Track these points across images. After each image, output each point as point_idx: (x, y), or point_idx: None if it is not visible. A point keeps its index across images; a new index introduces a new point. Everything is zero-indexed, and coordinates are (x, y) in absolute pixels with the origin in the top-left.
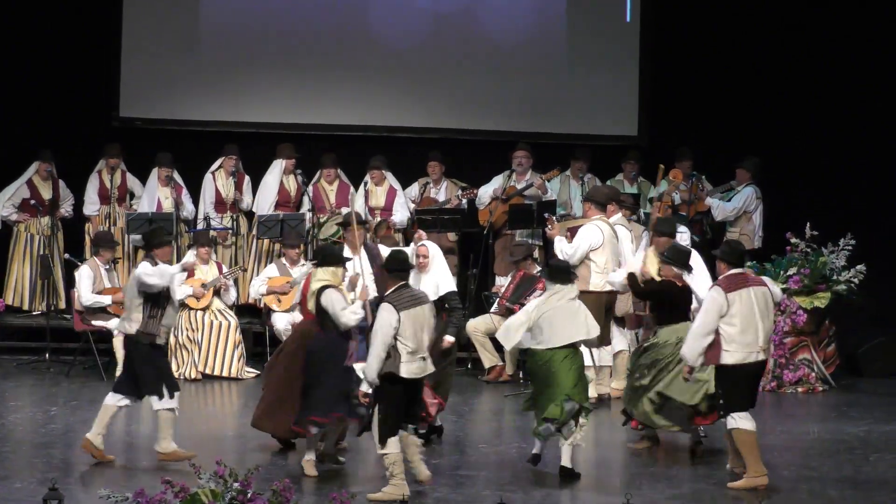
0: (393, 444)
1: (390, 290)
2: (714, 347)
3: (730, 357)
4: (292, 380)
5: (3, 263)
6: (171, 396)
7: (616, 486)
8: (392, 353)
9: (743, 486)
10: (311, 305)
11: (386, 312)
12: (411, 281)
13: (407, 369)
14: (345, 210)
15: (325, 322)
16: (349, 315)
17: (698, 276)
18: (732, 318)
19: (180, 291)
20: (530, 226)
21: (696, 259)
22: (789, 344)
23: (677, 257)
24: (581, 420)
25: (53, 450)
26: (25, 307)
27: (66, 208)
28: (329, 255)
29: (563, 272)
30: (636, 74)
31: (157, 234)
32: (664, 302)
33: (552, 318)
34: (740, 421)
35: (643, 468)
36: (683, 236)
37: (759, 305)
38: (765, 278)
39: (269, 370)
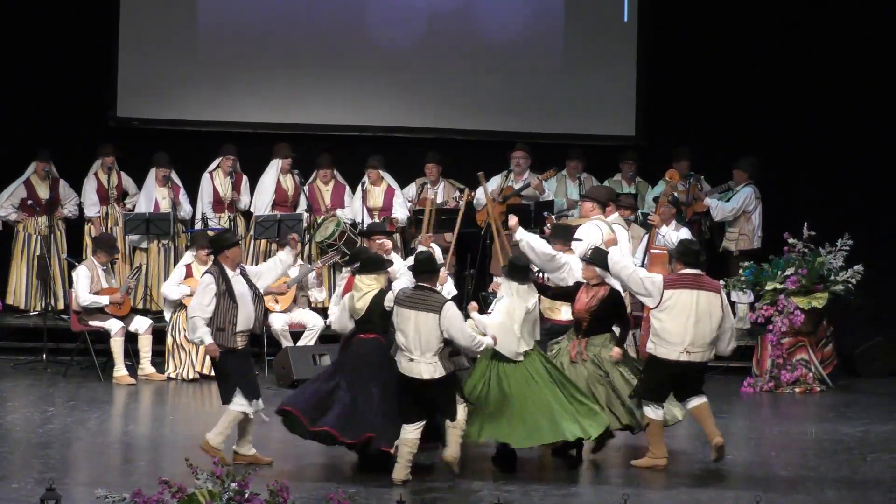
0: (405, 429)
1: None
2: (646, 334)
3: (653, 348)
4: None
5: (4, 264)
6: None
7: (614, 485)
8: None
9: (644, 465)
10: (360, 310)
11: (391, 295)
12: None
13: (397, 360)
14: (339, 212)
15: (380, 325)
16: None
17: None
18: (661, 314)
19: (177, 291)
20: (528, 226)
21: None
22: (787, 344)
23: (598, 258)
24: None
25: (51, 450)
26: (22, 307)
27: (69, 208)
28: (371, 262)
29: (522, 270)
30: (634, 74)
31: (224, 238)
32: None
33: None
34: (648, 410)
35: (641, 468)
36: (682, 236)
37: (699, 308)
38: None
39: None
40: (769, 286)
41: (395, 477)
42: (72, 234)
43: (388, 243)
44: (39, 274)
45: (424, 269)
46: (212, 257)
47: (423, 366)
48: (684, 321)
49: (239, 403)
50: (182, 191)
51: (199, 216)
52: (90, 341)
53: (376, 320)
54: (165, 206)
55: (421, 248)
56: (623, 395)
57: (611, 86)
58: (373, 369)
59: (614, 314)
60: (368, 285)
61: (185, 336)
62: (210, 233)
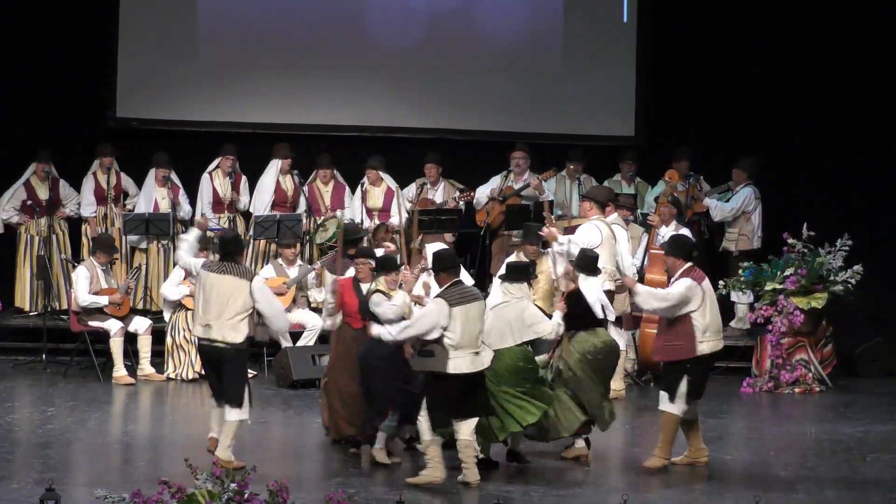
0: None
1: (443, 288)
2: (685, 340)
3: (706, 347)
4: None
5: (9, 266)
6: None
7: (613, 486)
8: (437, 350)
9: (654, 466)
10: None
11: (437, 306)
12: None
13: (455, 365)
14: (339, 212)
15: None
16: (386, 307)
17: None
18: (705, 310)
19: (177, 291)
20: None
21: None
22: (786, 344)
23: (585, 265)
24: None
25: (50, 450)
26: (27, 308)
27: (70, 207)
28: (379, 263)
29: (520, 272)
30: (633, 74)
31: (234, 242)
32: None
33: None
34: (673, 406)
35: (639, 469)
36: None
37: (713, 295)
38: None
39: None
40: (769, 286)
41: (471, 481)
42: (74, 234)
43: (392, 245)
44: (39, 274)
45: (447, 265)
46: (209, 256)
47: (486, 354)
48: (716, 308)
49: (242, 413)
50: (181, 191)
51: (198, 216)
52: (90, 341)
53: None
54: (165, 207)
55: (442, 246)
56: (589, 396)
57: (610, 86)
58: (374, 367)
59: (579, 311)
60: (375, 286)
61: (184, 336)
62: (210, 233)
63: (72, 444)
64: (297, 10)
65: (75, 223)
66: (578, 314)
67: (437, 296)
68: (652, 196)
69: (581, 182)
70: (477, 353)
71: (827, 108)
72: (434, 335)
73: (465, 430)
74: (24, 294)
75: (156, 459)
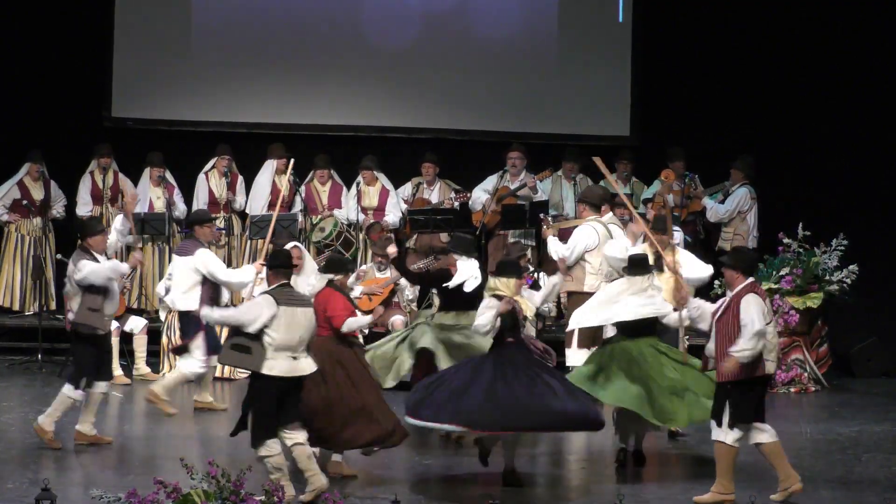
0: (272, 445)
1: (273, 286)
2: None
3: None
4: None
5: None
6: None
7: (609, 486)
8: (255, 349)
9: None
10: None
11: (264, 300)
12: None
13: (271, 366)
14: (336, 212)
15: None
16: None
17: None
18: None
19: None
20: (523, 226)
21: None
22: (782, 344)
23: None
24: None
25: (46, 450)
26: (16, 308)
27: (57, 209)
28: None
29: (641, 264)
30: (629, 74)
31: (91, 225)
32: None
33: None
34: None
35: (636, 469)
36: (676, 236)
37: None
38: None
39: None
40: (764, 286)
41: (319, 486)
42: (61, 234)
43: (296, 251)
44: (34, 274)
45: (278, 263)
46: None
47: (306, 362)
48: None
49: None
50: (176, 190)
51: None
52: None
53: None
54: (160, 206)
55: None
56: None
57: (606, 86)
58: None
59: None
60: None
61: (179, 336)
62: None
63: (67, 443)
64: (293, 10)
65: (61, 223)
66: None
67: (265, 292)
68: (644, 197)
69: (577, 182)
70: (295, 359)
71: (822, 108)
72: (253, 328)
73: (299, 436)
74: (10, 292)
75: (151, 459)
